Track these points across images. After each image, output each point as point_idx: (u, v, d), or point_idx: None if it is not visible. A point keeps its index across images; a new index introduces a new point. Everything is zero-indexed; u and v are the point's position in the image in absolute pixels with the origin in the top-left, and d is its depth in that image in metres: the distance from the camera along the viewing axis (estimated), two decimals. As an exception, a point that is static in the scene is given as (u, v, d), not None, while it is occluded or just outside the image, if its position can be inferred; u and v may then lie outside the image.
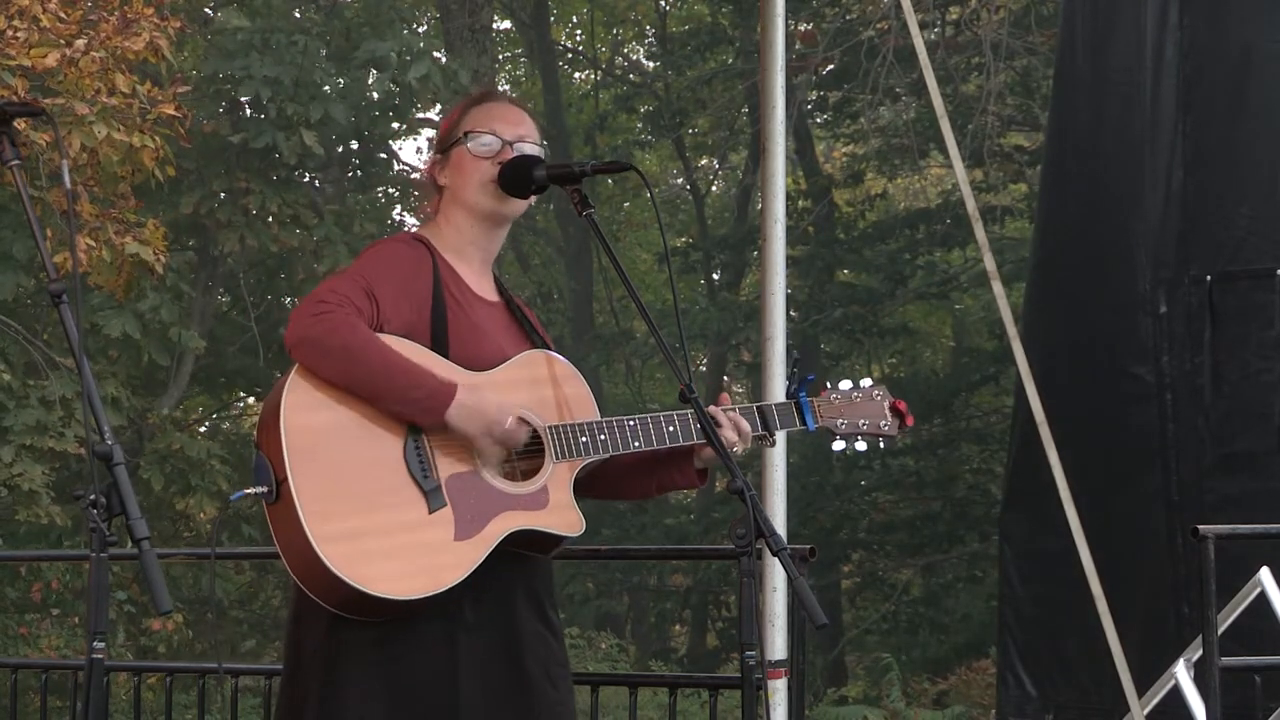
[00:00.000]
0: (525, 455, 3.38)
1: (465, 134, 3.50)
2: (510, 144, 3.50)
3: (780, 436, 5.32)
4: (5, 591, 12.57)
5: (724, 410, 3.47)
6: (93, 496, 2.84)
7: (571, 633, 15.81)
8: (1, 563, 12.61)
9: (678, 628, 22.01)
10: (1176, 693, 6.47)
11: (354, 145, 16.98)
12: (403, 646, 3.27)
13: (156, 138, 10.53)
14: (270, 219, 15.12)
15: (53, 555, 12.44)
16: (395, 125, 16.80)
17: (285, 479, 3.18)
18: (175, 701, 6.49)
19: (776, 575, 5.15)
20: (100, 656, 2.84)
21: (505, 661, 3.36)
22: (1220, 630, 5.58)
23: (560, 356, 3.51)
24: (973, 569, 18.05)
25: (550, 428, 3.38)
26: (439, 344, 3.36)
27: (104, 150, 10.19)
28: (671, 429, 3.44)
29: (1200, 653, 5.56)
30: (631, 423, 3.43)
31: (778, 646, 5.13)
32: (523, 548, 3.34)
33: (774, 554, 3.16)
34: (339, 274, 3.42)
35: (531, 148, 3.54)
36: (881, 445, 3.67)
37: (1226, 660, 5.40)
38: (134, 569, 11.11)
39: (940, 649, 17.69)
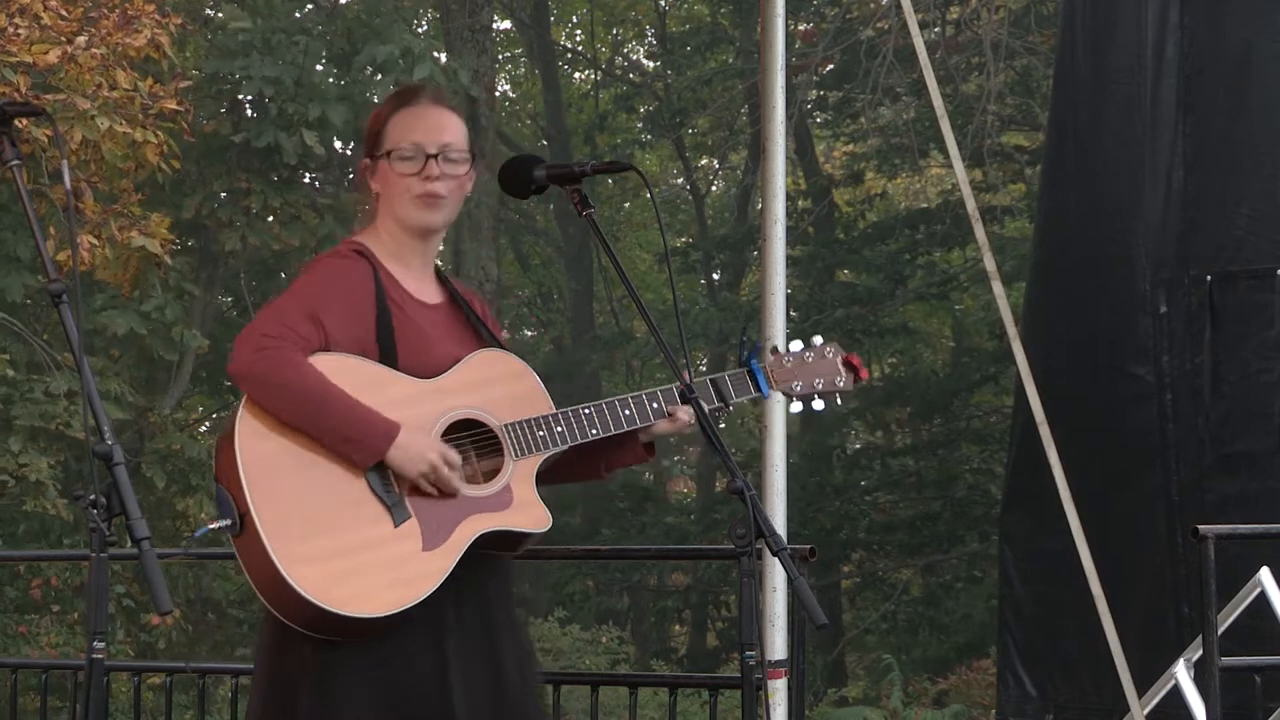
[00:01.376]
0: (485, 455, 3.40)
1: (389, 151, 3.46)
2: (434, 157, 3.45)
3: (780, 437, 5.35)
4: (5, 591, 12.57)
5: (678, 390, 3.48)
6: (93, 496, 2.84)
7: (573, 631, 15.81)
8: (1, 562, 12.60)
9: (678, 628, 22.01)
10: (1176, 693, 6.47)
11: (357, 145, 16.97)
12: (392, 654, 3.28)
13: (159, 133, 10.54)
14: (271, 218, 15.12)
15: (53, 555, 12.43)
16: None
17: (248, 510, 3.19)
18: (175, 701, 6.48)
19: (776, 575, 5.16)
20: (100, 656, 2.84)
21: (486, 659, 3.39)
22: (1220, 630, 5.58)
23: (509, 353, 3.52)
24: (973, 569, 18.05)
25: (507, 426, 3.40)
26: (387, 355, 3.37)
27: (106, 145, 10.20)
28: (628, 412, 3.46)
29: (1200, 653, 5.56)
30: (587, 411, 3.45)
31: (778, 646, 5.13)
32: (490, 548, 3.36)
33: (774, 554, 3.16)
34: (282, 298, 3.41)
35: (457, 155, 3.49)
36: (838, 401, 3.67)
37: (1226, 660, 5.39)
38: (133, 567, 11.11)
39: (940, 649, 17.69)
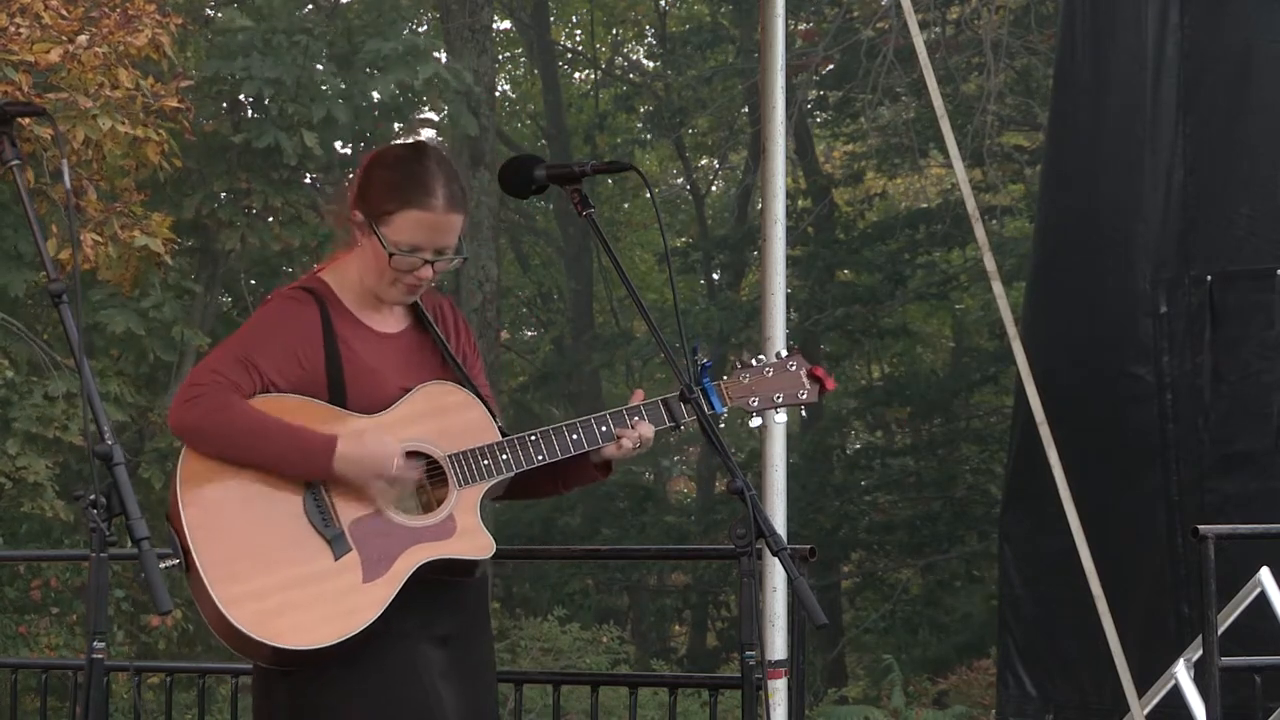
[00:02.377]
0: (436, 484, 3.46)
1: (396, 246, 3.43)
2: (430, 262, 3.48)
3: (780, 437, 5.35)
4: (4, 591, 12.56)
5: (629, 413, 3.52)
6: (93, 496, 2.85)
7: (573, 631, 15.80)
8: (1, 563, 12.59)
9: (678, 627, 22.01)
10: (1176, 693, 6.47)
11: (359, 146, 16.96)
12: (364, 674, 3.36)
13: (160, 131, 10.55)
14: (271, 219, 15.12)
15: (52, 555, 12.43)
16: (397, 126, 16.78)
17: (189, 550, 3.27)
18: (175, 701, 6.48)
19: (776, 575, 5.15)
20: (100, 656, 2.85)
21: (463, 666, 3.48)
22: (1220, 630, 5.58)
23: (455, 385, 3.54)
24: (972, 569, 18.06)
25: (450, 456, 3.45)
26: (336, 393, 3.43)
27: (108, 144, 10.21)
28: (575, 437, 3.50)
29: (1200, 653, 5.56)
30: (534, 438, 3.49)
31: (778, 646, 5.13)
32: (443, 575, 3.41)
33: (774, 554, 3.17)
34: (218, 347, 3.51)
35: (450, 254, 3.50)
36: (803, 413, 3.68)
37: (1226, 660, 5.40)
38: (133, 568, 11.10)
39: (940, 649, 17.69)
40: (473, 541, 3.43)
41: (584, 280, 22.69)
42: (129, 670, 7.80)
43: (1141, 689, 6.60)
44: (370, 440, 3.37)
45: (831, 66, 18.17)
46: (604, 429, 3.51)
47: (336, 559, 3.33)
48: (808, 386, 3.65)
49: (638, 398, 3.57)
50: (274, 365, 3.39)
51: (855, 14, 17.64)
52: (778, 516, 5.26)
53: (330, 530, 3.34)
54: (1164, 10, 7.91)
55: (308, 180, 16.14)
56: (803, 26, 18.90)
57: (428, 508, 3.43)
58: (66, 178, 3.17)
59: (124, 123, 10.14)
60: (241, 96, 14.74)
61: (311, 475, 3.35)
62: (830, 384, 3.69)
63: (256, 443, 3.32)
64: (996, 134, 16.77)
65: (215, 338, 15.74)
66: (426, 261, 3.47)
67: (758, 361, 3.65)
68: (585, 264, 22.62)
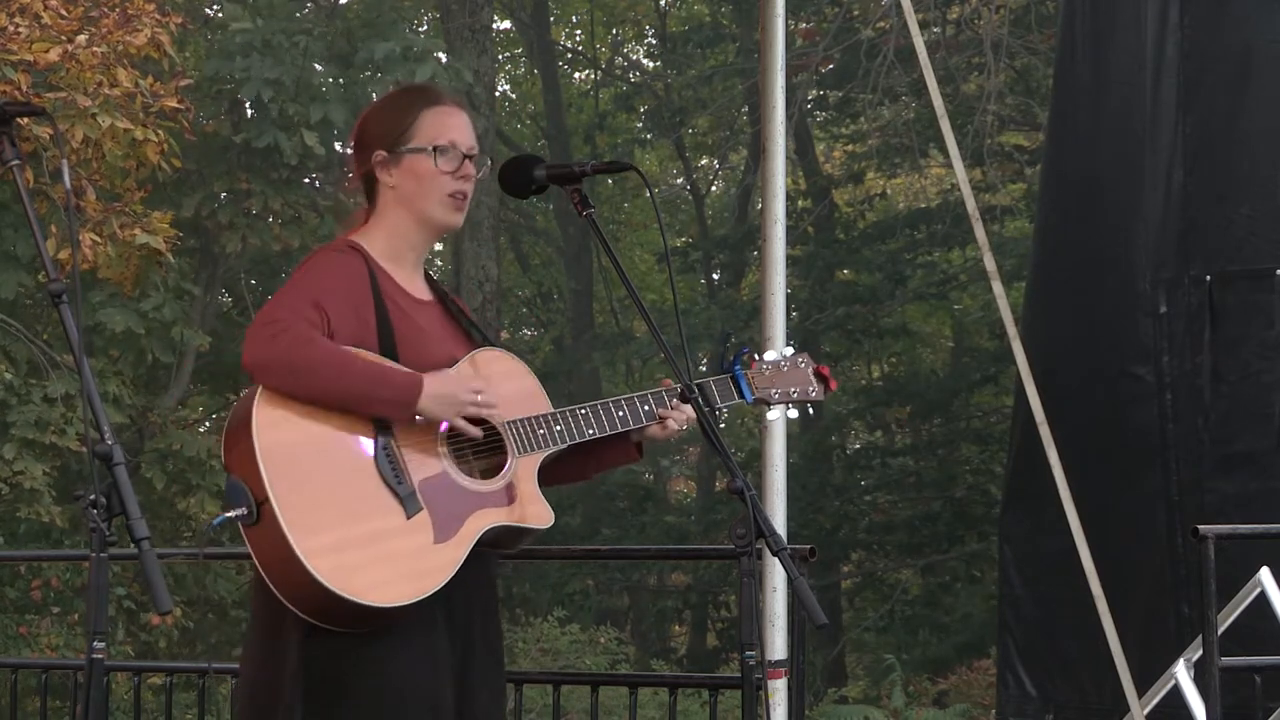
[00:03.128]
0: (482, 454, 3.42)
1: (434, 148, 3.46)
2: (469, 157, 3.50)
3: (780, 437, 5.36)
4: (5, 591, 12.56)
5: (668, 394, 3.55)
6: (93, 496, 2.84)
7: (572, 631, 15.81)
8: (1, 562, 12.60)
9: (678, 628, 22.01)
10: (1176, 693, 6.47)
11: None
12: (391, 653, 3.29)
13: (160, 130, 10.55)
14: (271, 219, 15.12)
15: (53, 555, 12.43)
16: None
17: (266, 499, 3.18)
18: (175, 701, 6.48)
19: (776, 575, 5.16)
20: (100, 656, 2.84)
21: (479, 652, 3.42)
22: (1220, 630, 5.58)
23: (509, 352, 3.56)
24: (972, 569, 18.06)
25: (509, 424, 3.42)
26: (387, 352, 3.38)
27: (107, 143, 10.21)
28: (621, 414, 3.51)
29: (1200, 653, 5.56)
30: (583, 411, 3.49)
31: (778, 646, 5.14)
32: (490, 545, 3.38)
33: (774, 554, 3.17)
34: (284, 291, 3.41)
35: (478, 159, 3.56)
36: (810, 411, 3.75)
37: (1226, 660, 5.40)
38: (133, 568, 11.11)
39: (940, 649, 17.69)
40: (534, 509, 3.40)
41: (584, 280, 22.69)
42: (130, 671, 7.80)
43: (1141, 689, 6.60)
44: (454, 378, 3.35)
45: (831, 66, 18.16)
46: (646, 408, 3.52)
47: (409, 518, 3.26)
48: (815, 385, 3.74)
49: (667, 384, 3.59)
50: (337, 314, 3.33)
51: (855, 14, 17.64)
52: (778, 516, 5.26)
53: (403, 488, 3.27)
54: (1164, 10, 7.91)
55: (308, 180, 16.15)
56: (803, 26, 18.90)
57: (470, 476, 3.38)
58: (66, 177, 3.17)
59: (123, 121, 10.14)
60: (241, 97, 14.73)
61: (398, 413, 3.28)
62: (833, 384, 3.79)
63: (342, 376, 3.25)
64: (996, 134, 16.77)
65: (215, 338, 15.76)
66: (466, 157, 3.48)
67: (771, 357, 3.73)
68: (585, 264, 22.62)
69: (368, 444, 3.29)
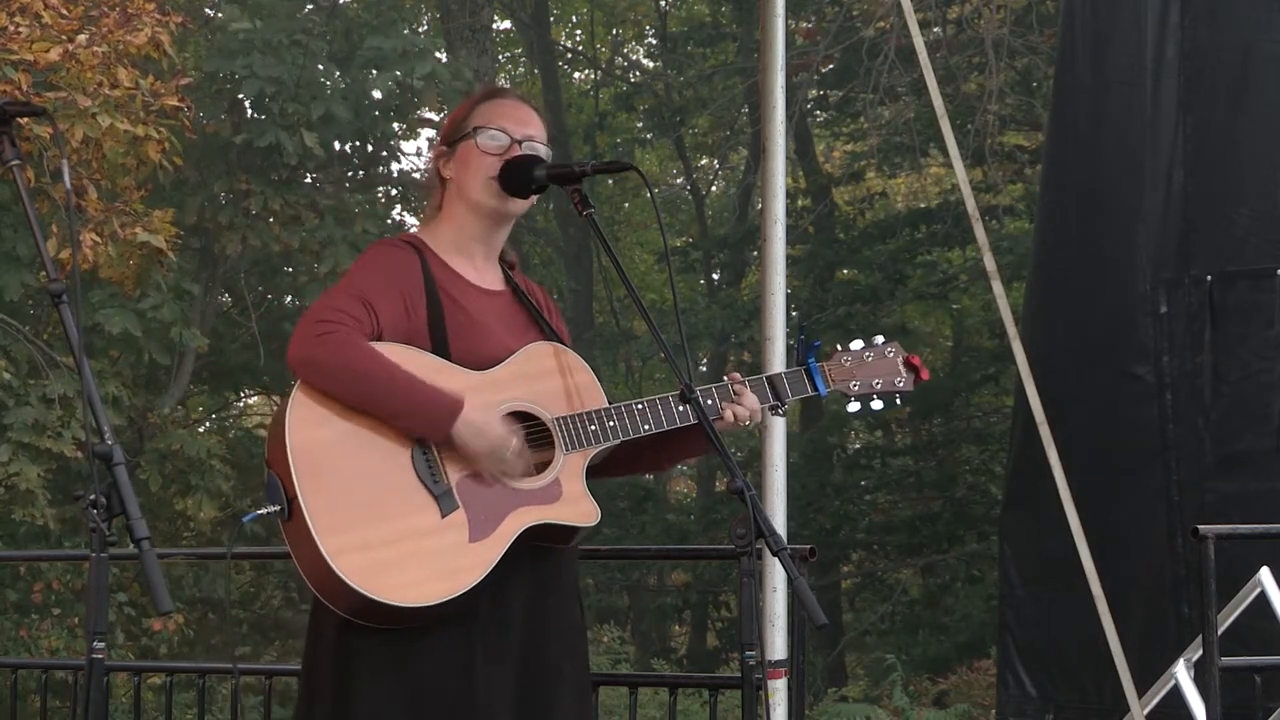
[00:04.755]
0: (535, 448, 3.39)
1: (475, 129, 3.50)
2: (519, 142, 3.50)
3: (780, 437, 5.35)
4: (5, 593, 12.55)
5: (734, 385, 3.50)
6: (93, 497, 2.83)
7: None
8: (1, 563, 12.58)
9: (678, 627, 22.00)
10: (1176, 693, 6.47)
11: (358, 144, 16.96)
12: (418, 650, 3.27)
13: (161, 129, 10.54)
14: (271, 219, 15.11)
15: (53, 555, 12.42)
16: (396, 126, 16.79)
17: (295, 496, 3.18)
18: (175, 701, 6.48)
19: (776, 575, 5.15)
20: (100, 657, 2.84)
21: (529, 657, 3.37)
22: (1220, 630, 5.58)
23: (564, 346, 3.52)
24: (972, 569, 18.04)
25: (558, 420, 3.40)
26: (439, 346, 3.37)
27: (108, 143, 10.20)
28: (681, 409, 3.45)
29: (1200, 653, 5.56)
30: (639, 406, 3.45)
31: (778, 646, 5.13)
32: (542, 541, 3.35)
33: (774, 554, 3.16)
34: (335, 287, 3.42)
35: (539, 147, 3.52)
36: (898, 401, 3.64)
37: (1226, 660, 5.39)
38: (134, 570, 11.10)
39: (940, 649, 17.68)
40: (578, 507, 3.36)
41: (584, 280, 22.68)
42: (130, 671, 7.79)
43: (1141, 689, 6.60)
44: (494, 424, 3.30)
45: (832, 66, 18.16)
46: (709, 402, 3.46)
47: (443, 516, 3.24)
48: (904, 374, 3.64)
49: (734, 378, 3.55)
50: (387, 310, 3.34)
51: (855, 13, 17.63)
52: (778, 516, 5.26)
53: (438, 486, 3.26)
54: (1164, 10, 7.92)
55: (308, 180, 16.14)
56: (803, 26, 18.90)
57: (524, 472, 3.35)
58: (66, 177, 3.17)
59: (123, 121, 10.13)
60: (241, 96, 14.72)
61: (431, 434, 3.27)
62: (925, 373, 3.66)
63: (381, 391, 3.24)
64: (997, 134, 16.76)
65: (215, 338, 15.75)
66: (515, 141, 3.48)
67: (856, 346, 3.64)
68: (585, 264, 22.61)
69: (405, 442, 3.28)
